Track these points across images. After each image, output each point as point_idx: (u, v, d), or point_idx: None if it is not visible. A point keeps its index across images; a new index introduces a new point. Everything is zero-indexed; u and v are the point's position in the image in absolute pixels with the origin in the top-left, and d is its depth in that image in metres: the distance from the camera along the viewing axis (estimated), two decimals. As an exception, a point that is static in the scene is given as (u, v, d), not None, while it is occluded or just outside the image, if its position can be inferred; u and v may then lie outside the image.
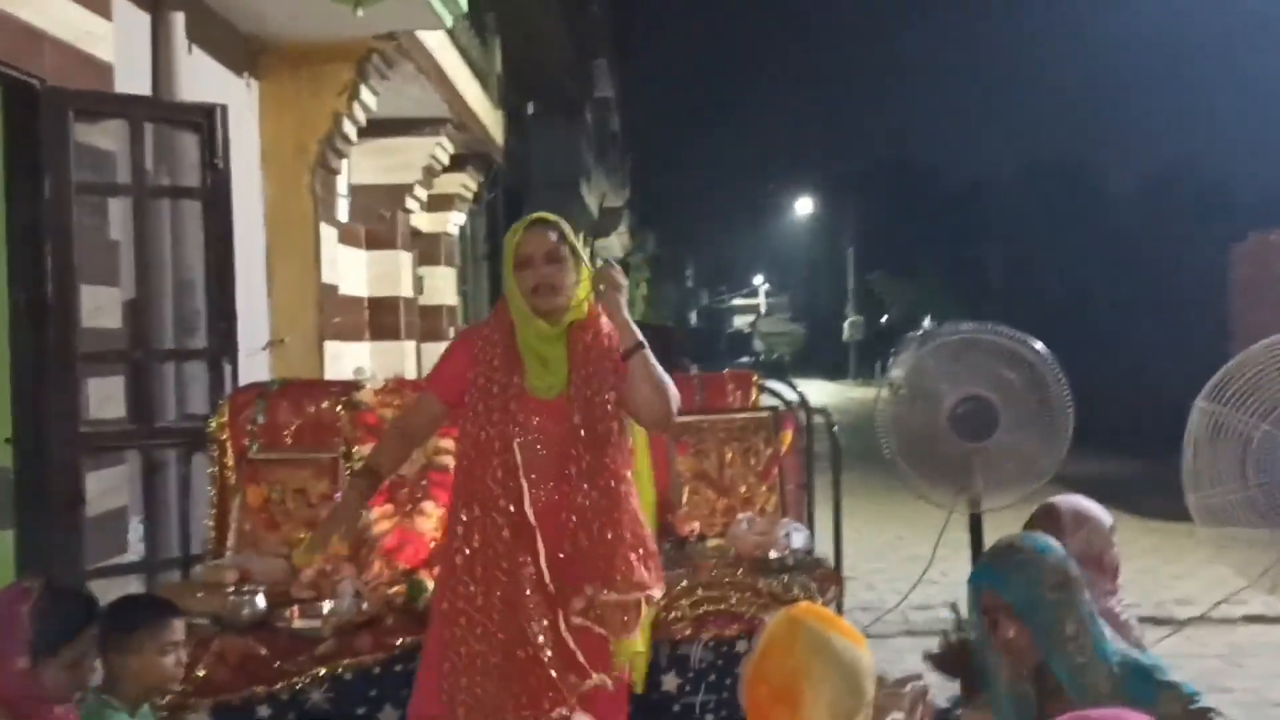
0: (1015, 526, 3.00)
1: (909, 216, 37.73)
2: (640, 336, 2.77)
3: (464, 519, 2.75)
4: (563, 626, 2.70)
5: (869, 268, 39.08)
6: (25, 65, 3.81)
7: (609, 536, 2.73)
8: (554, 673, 2.65)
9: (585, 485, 2.73)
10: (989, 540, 4.64)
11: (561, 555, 2.73)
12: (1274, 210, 16.67)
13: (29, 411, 3.96)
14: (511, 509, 2.71)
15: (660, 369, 2.77)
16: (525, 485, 2.71)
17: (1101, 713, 1.60)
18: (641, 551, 2.79)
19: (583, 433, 2.74)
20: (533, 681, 2.64)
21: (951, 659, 2.95)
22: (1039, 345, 4.24)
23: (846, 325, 38.64)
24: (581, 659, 2.70)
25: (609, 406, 2.76)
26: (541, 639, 2.66)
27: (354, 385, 3.98)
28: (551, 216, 2.84)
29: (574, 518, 2.73)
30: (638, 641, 2.82)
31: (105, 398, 4.18)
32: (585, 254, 2.88)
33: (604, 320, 2.82)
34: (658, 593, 2.83)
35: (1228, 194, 25.22)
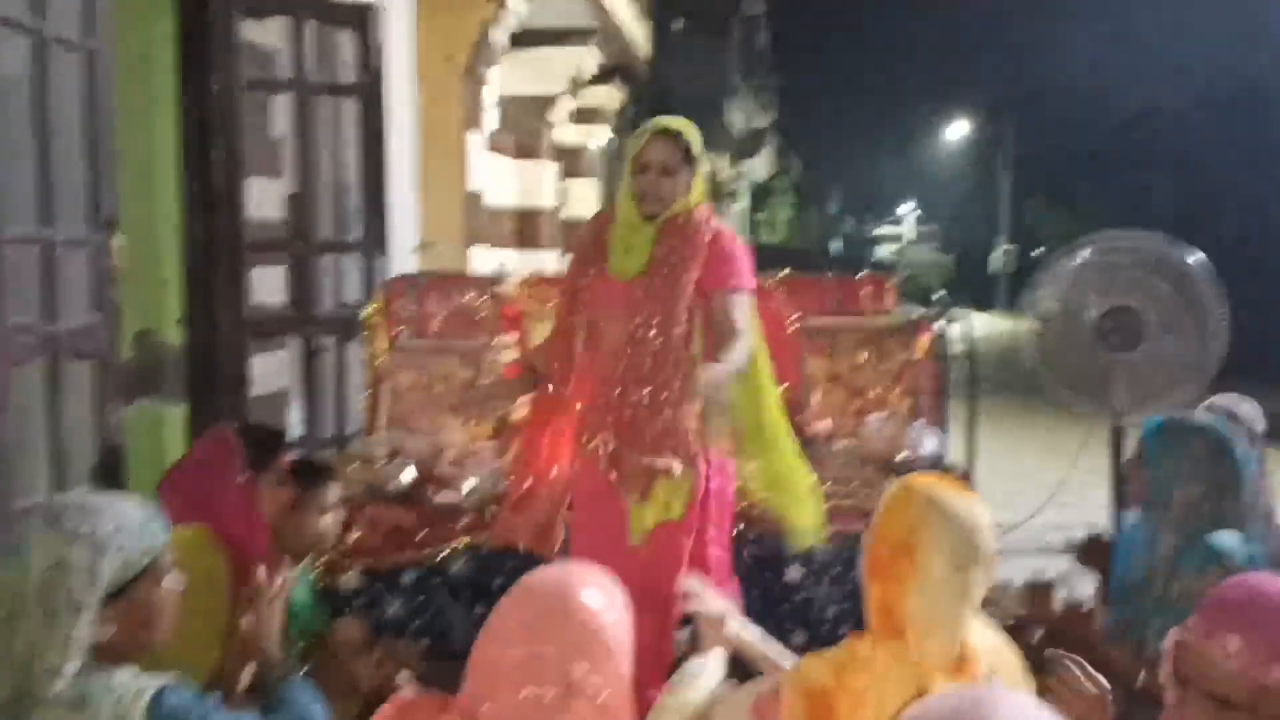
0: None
1: (1071, 142, 35.74)
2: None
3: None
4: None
5: (1026, 197, 37.29)
6: (195, -35, 3.99)
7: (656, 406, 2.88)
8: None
9: (648, 357, 2.88)
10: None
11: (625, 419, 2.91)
12: None
13: (200, 295, 4.23)
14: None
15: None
16: (597, 360, 2.96)
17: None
18: (673, 430, 2.89)
19: (646, 307, 2.88)
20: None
21: (1094, 550, 3.00)
22: (1194, 252, 4.07)
23: (995, 255, 36.93)
24: None
25: (678, 288, 2.87)
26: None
27: (497, 279, 4.14)
28: (678, 126, 2.91)
29: (629, 388, 2.89)
30: (648, 514, 2.90)
31: (269, 286, 4.43)
32: (727, 164, 2.95)
33: (701, 215, 2.94)
34: (677, 469, 2.88)
35: None
